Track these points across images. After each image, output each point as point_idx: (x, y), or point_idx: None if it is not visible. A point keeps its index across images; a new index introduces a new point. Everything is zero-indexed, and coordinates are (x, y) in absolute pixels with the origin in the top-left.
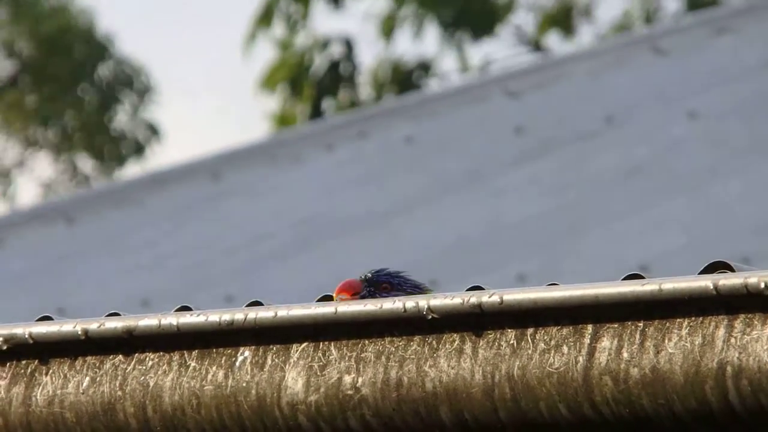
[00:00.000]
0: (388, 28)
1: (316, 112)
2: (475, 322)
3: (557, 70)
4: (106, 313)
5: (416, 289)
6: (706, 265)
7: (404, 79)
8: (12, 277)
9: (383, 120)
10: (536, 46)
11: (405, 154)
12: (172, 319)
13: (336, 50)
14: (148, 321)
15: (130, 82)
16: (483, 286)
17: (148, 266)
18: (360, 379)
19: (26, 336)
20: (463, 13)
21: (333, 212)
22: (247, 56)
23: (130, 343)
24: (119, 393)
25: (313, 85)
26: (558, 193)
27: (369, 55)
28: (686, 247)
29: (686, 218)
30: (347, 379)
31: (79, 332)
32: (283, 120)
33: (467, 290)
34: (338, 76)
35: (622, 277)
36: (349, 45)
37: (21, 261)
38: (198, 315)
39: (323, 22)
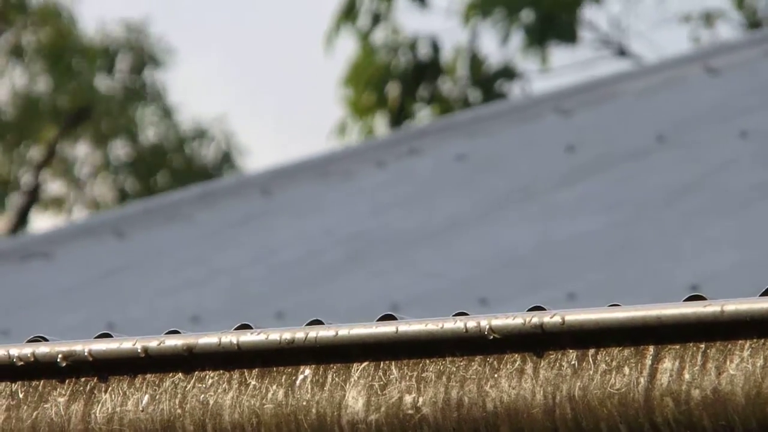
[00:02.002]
0: (473, 28)
1: (400, 113)
2: (536, 342)
3: (609, 88)
4: (157, 329)
5: None
6: None
7: (488, 81)
8: (61, 291)
9: (435, 137)
10: (620, 51)
11: (456, 172)
12: (233, 337)
13: (422, 50)
14: (208, 339)
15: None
16: (544, 306)
17: (198, 282)
18: (421, 399)
19: (85, 353)
20: (548, 18)
21: (384, 229)
22: (328, 51)
23: (189, 361)
24: (179, 411)
25: (398, 85)
26: (609, 211)
27: (452, 55)
28: (738, 266)
29: (738, 238)
30: (408, 398)
31: (139, 350)
32: (360, 111)
33: (528, 310)
34: (423, 77)
35: (684, 299)
36: (435, 46)
37: (70, 275)
38: (258, 333)
39: (407, 20)
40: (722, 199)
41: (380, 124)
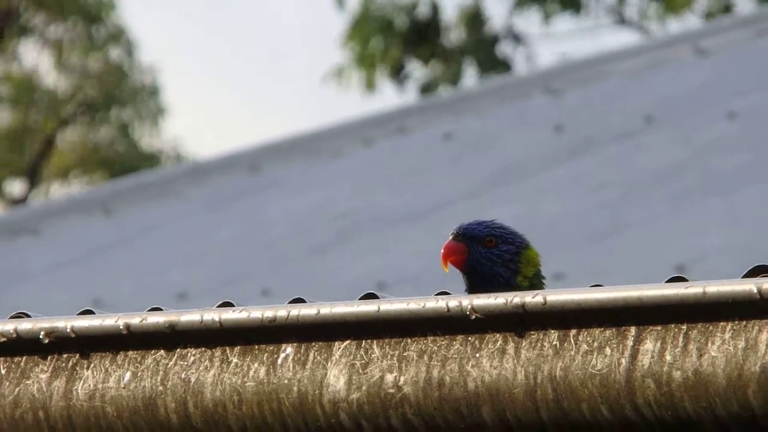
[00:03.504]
0: None
1: (400, 70)
2: (518, 322)
3: (598, 68)
4: (144, 306)
5: (519, 240)
6: (750, 269)
7: (489, 43)
8: (48, 267)
9: (423, 116)
10: (621, 18)
11: (444, 151)
12: (215, 315)
13: (423, 9)
14: (190, 316)
15: None
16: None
17: (186, 259)
18: (402, 378)
19: (68, 329)
20: None
21: (371, 208)
22: (339, 7)
23: (171, 338)
24: (160, 388)
25: (398, 43)
26: (597, 192)
27: (453, 16)
28: (724, 247)
29: (724, 219)
30: (389, 377)
31: (121, 326)
32: (366, 62)
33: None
34: (423, 36)
35: (666, 280)
36: (435, 6)
37: (58, 251)
38: (240, 311)
39: None
40: (709, 181)
41: (380, 78)
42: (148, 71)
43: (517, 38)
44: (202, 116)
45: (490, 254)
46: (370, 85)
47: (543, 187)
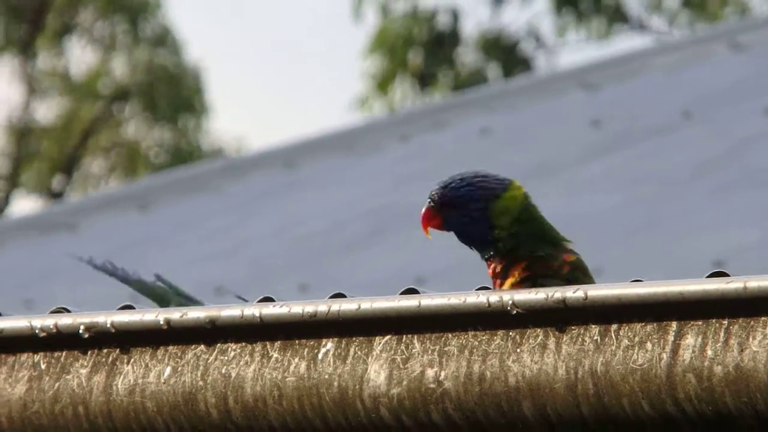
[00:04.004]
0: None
1: (423, 79)
2: (558, 317)
3: (635, 63)
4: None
5: (490, 191)
6: None
7: (509, 50)
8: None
9: (459, 111)
10: (640, 25)
11: (480, 146)
12: (255, 310)
13: (443, 20)
14: (230, 311)
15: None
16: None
17: (222, 254)
18: (443, 373)
19: (108, 325)
20: None
21: (407, 203)
22: (356, 20)
23: (212, 333)
24: (200, 383)
25: (419, 54)
26: (634, 186)
27: (474, 25)
28: (762, 242)
29: (762, 214)
30: (430, 372)
31: (161, 321)
32: (383, 85)
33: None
34: (444, 47)
35: (707, 275)
36: (455, 15)
37: (94, 246)
38: (281, 306)
39: None
40: (746, 175)
41: (403, 91)
42: (194, 70)
43: (537, 39)
44: (241, 113)
45: (461, 216)
46: (392, 111)
47: (579, 182)
